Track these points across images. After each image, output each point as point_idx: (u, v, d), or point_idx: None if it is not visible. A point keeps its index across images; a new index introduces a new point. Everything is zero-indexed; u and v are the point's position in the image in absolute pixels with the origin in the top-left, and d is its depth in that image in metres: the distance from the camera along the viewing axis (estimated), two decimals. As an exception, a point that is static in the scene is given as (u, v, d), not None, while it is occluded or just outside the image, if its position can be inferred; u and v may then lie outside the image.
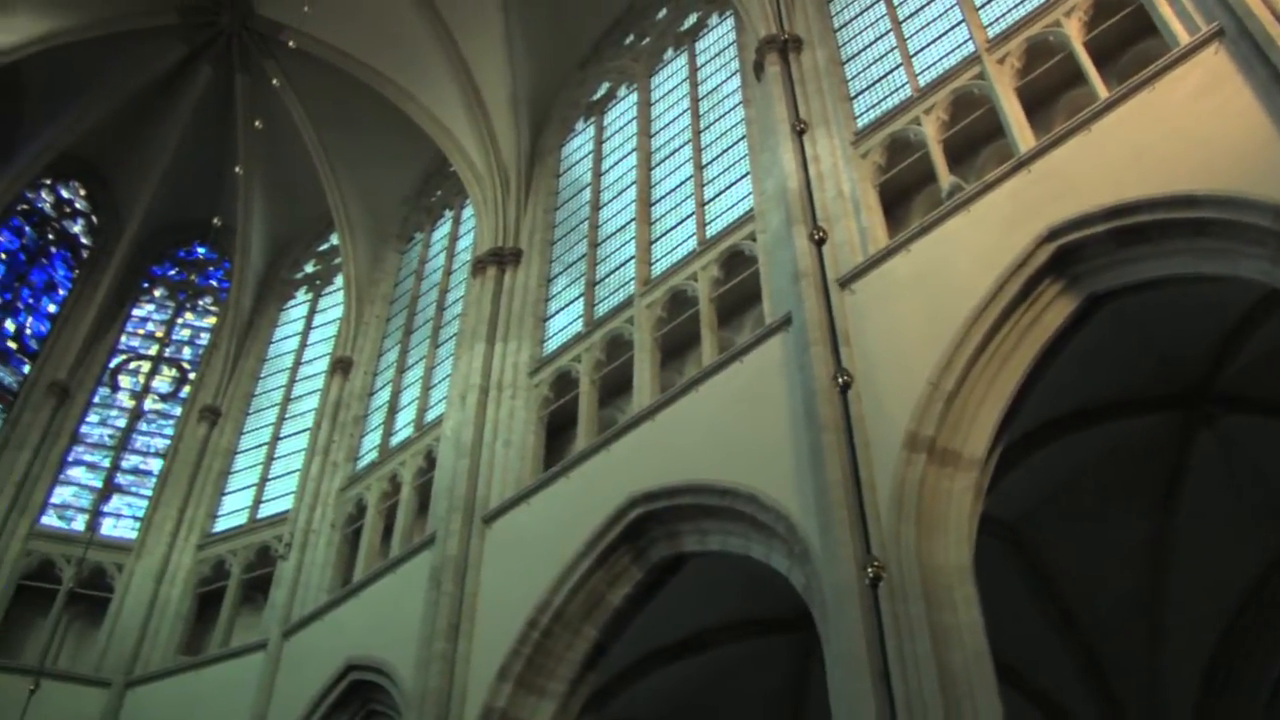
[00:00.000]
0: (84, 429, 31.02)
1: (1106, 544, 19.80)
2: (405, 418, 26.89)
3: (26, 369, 31.18)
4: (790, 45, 22.51)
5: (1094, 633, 20.59)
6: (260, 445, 30.23)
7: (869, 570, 11.94)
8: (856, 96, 21.54)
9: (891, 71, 21.36)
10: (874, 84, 21.49)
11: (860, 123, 20.85)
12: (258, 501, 28.52)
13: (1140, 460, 18.96)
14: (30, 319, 32.26)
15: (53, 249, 33.92)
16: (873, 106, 21.05)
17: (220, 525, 28.48)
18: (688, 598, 18.86)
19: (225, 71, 32.75)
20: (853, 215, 18.95)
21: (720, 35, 27.02)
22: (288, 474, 28.54)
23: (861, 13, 23.13)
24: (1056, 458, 17.76)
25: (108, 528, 28.90)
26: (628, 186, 25.74)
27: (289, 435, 29.93)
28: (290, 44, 29.15)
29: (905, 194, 19.69)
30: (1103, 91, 17.12)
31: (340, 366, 29.31)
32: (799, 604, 16.03)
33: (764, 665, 20.54)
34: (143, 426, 31.62)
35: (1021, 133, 17.76)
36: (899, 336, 16.40)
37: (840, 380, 14.11)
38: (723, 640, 19.96)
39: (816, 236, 16.72)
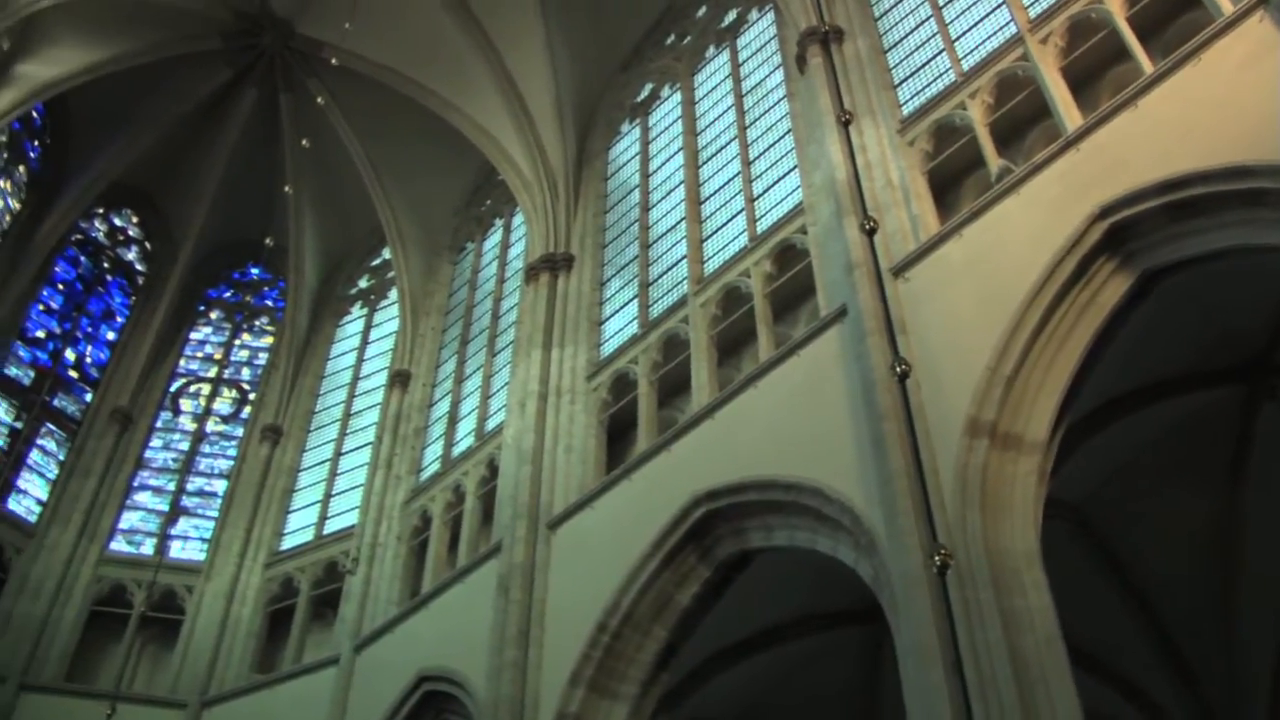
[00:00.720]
0: (148, 454, 31.37)
1: (1174, 522, 19.63)
2: (466, 427, 27.00)
3: (89, 397, 31.52)
4: (831, 36, 22.39)
5: (1166, 612, 20.41)
6: (323, 462, 30.45)
7: (936, 558, 11.95)
8: (900, 84, 21.43)
9: (934, 57, 21.25)
10: (917, 71, 21.38)
11: (906, 110, 20.76)
12: (323, 518, 28.75)
13: (1205, 436, 18.73)
14: (90, 347, 32.59)
15: (109, 277, 34.29)
16: (917, 93, 20.95)
17: (287, 543, 28.75)
18: (756, 594, 18.83)
19: (270, 92, 33.02)
20: (903, 203, 18.85)
21: (761, 30, 27.00)
22: (352, 489, 28.75)
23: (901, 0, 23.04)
24: (1119, 437, 17.59)
25: (176, 550, 29.25)
26: (676, 186, 25.74)
27: (351, 450, 30.12)
28: (333, 61, 29.26)
29: (954, 179, 19.59)
30: (1148, 66, 16.98)
31: (399, 379, 29.47)
32: (868, 595, 15.97)
33: (835, 658, 20.49)
34: (206, 449, 31.94)
35: (1068, 112, 17.66)
36: (955, 322, 16.31)
37: (898, 369, 14.13)
38: (793, 635, 19.94)
39: (867, 226, 16.71)
